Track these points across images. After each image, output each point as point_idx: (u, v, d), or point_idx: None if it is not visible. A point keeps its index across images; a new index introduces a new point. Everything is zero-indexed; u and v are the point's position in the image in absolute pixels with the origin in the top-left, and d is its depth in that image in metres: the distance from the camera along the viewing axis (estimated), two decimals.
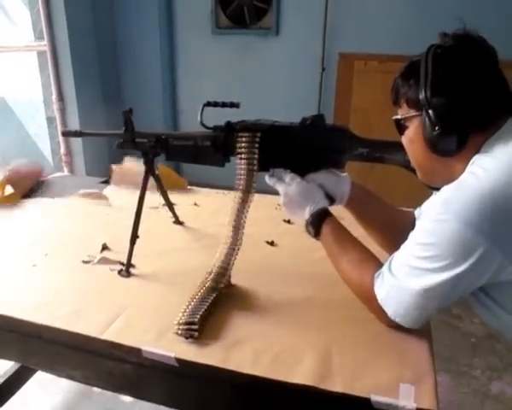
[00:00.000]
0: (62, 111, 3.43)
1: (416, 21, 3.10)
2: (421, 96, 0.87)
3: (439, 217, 0.83)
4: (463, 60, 0.87)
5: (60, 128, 3.47)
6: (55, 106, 3.41)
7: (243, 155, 1.14)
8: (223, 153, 1.21)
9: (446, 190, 0.85)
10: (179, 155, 1.29)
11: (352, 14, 3.30)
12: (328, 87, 3.46)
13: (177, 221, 1.58)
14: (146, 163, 1.31)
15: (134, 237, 1.25)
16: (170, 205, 1.55)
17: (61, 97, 3.40)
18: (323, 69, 3.43)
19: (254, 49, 3.59)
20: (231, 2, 3.50)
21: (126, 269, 1.23)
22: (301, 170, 1.15)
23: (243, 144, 1.14)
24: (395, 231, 0.92)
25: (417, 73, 0.89)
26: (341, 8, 3.29)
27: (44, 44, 3.26)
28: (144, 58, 3.71)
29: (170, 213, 1.61)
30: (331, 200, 1.16)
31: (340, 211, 1.19)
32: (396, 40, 3.14)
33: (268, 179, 1.18)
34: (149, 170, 1.31)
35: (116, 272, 1.23)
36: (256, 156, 1.14)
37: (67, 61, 3.29)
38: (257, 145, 1.13)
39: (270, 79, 3.61)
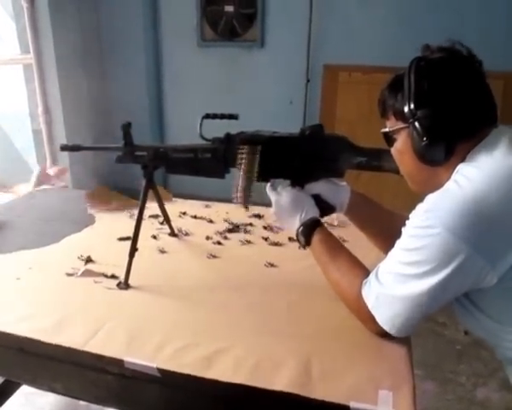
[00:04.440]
0: (48, 124, 3.43)
1: (399, 33, 3.16)
2: (406, 108, 0.90)
3: (423, 223, 0.85)
4: (446, 72, 0.89)
5: (46, 141, 3.47)
6: (41, 119, 3.41)
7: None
8: (223, 165, 1.23)
9: (430, 197, 0.88)
10: (179, 168, 1.29)
11: (336, 26, 3.35)
12: (313, 98, 3.50)
13: (173, 234, 1.57)
14: (146, 176, 1.31)
15: (133, 249, 1.24)
16: (167, 218, 1.55)
17: (47, 110, 3.40)
18: (308, 81, 3.48)
19: (240, 62, 3.63)
20: (216, 16, 3.55)
21: (125, 282, 1.23)
22: (301, 180, 1.18)
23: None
24: (396, 235, 0.94)
25: (403, 86, 0.91)
26: (325, 20, 3.35)
27: (30, 57, 3.27)
28: (131, 71, 3.73)
29: (156, 225, 1.63)
30: (331, 208, 1.19)
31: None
32: (380, 52, 3.20)
33: (267, 189, 1.21)
34: (149, 183, 1.32)
35: (99, 285, 1.24)
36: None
37: (53, 74, 3.30)
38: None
39: (256, 91, 3.65)
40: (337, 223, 1.61)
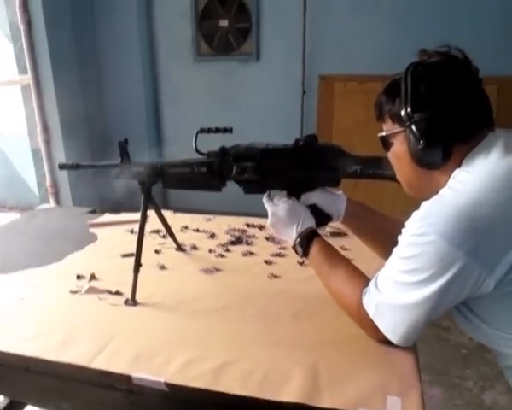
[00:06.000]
0: (47, 142, 3.45)
1: (394, 42, 3.19)
2: (403, 112, 0.90)
3: (418, 231, 0.85)
4: (443, 75, 0.90)
5: (45, 160, 3.48)
6: (40, 138, 3.42)
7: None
8: (219, 178, 1.24)
9: (425, 204, 0.88)
10: (175, 183, 1.31)
11: (330, 36, 3.39)
12: (310, 109, 3.53)
13: (179, 248, 1.58)
14: (143, 192, 1.32)
15: (137, 265, 1.25)
16: (170, 232, 1.55)
17: (45, 129, 3.41)
18: (304, 92, 3.50)
19: (236, 75, 3.66)
20: (211, 31, 3.59)
21: (132, 298, 1.23)
22: (297, 190, 1.19)
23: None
24: (394, 242, 0.94)
25: (400, 90, 0.91)
26: (320, 31, 3.39)
27: (28, 78, 3.30)
28: (128, 88, 3.76)
29: (157, 240, 1.64)
30: (328, 218, 1.19)
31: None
32: (374, 61, 3.22)
33: (263, 201, 1.22)
34: (147, 199, 1.33)
35: (104, 301, 1.24)
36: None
37: (51, 94, 3.32)
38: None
39: (253, 104, 3.67)
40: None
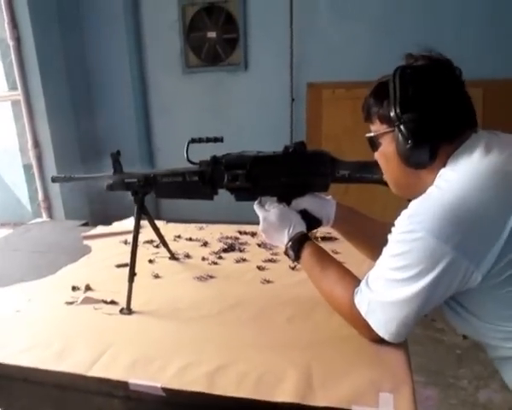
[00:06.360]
0: (39, 158, 3.45)
1: (379, 48, 3.23)
2: (392, 113, 0.93)
3: (406, 228, 0.88)
4: (430, 78, 0.93)
5: (37, 175, 3.48)
6: (31, 153, 3.42)
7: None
8: (211, 186, 1.27)
9: (413, 203, 0.91)
10: (168, 192, 1.33)
11: (317, 44, 3.42)
12: (299, 117, 3.56)
13: (173, 257, 1.60)
14: (136, 202, 1.34)
15: (132, 274, 1.26)
16: (164, 241, 1.57)
17: (36, 144, 3.42)
18: (293, 100, 3.53)
19: (225, 85, 3.69)
20: (200, 42, 3.62)
21: (127, 307, 1.24)
22: (287, 196, 1.21)
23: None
24: (383, 244, 0.96)
25: (388, 92, 0.94)
26: (307, 39, 3.42)
27: (18, 94, 3.31)
28: (118, 101, 3.77)
29: (151, 250, 1.65)
30: (318, 222, 1.22)
31: None
32: (361, 67, 3.26)
33: (255, 207, 1.24)
34: (140, 209, 1.35)
35: (99, 311, 1.25)
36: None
37: (42, 109, 3.33)
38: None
39: (243, 113, 3.70)
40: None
